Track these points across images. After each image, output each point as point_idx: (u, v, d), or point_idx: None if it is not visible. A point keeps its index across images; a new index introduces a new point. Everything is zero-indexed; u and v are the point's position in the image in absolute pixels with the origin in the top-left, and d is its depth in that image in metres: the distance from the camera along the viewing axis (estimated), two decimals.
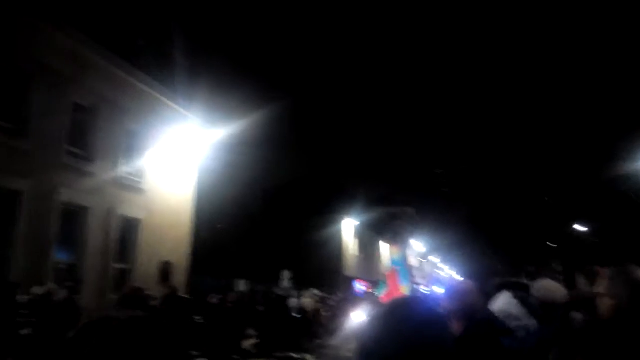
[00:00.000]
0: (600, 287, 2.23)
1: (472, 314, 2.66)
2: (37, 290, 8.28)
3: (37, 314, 6.70)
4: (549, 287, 3.72)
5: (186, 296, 13.81)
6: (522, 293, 3.97)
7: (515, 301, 3.76)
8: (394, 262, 8.32)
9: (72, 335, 1.03)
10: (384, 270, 9.08)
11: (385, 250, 39.64)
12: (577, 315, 3.64)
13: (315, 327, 19.14)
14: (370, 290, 30.67)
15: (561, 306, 3.52)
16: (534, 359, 3.14)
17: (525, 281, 4.47)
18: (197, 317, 13.46)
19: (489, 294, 3.89)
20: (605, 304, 2.12)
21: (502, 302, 3.71)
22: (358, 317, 19.09)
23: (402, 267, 8.26)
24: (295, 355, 14.90)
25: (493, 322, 2.93)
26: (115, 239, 13.68)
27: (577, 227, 28.06)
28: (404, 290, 8.58)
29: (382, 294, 9.47)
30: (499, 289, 3.88)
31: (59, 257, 12.12)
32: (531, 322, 3.55)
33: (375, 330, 1.10)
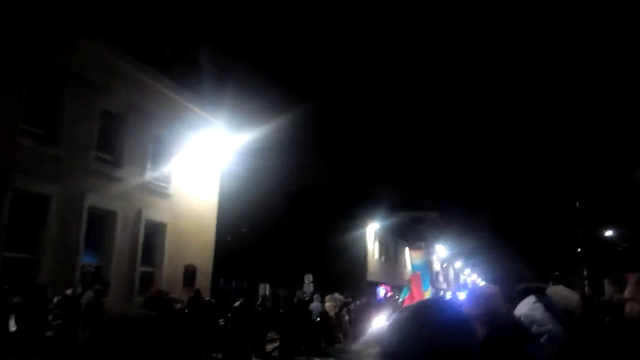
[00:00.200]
0: (628, 292, 2.21)
1: (495, 318, 2.65)
2: (65, 292, 8.47)
3: (64, 316, 6.84)
4: (560, 293, 3.67)
5: (210, 299, 13.95)
6: (546, 298, 3.92)
7: (539, 305, 3.72)
8: (414, 267, 8.30)
9: (88, 336, 1.05)
10: (408, 275, 9.05)
11: (409, 255, 39.36)
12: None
13: (337, 331, 19.17)
14: (392, 295, 30.51)
15: (572, 312, 3.47)
16: None
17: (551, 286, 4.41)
18: (221, 320, 13.61)
19: (513, 299, 3.86)
20: (631, 308, 2.10)
21: (526, 307, 3.67)
22: (379, 322, 19.10)
23: (424, 271, 8.25)
24: (316, 359, 14.95)
25: (517, 327, 2.91)
26: (141, 242, 13.89)
27: (605, 232, 27.49)
28: (427, 294, 8.55)
29: (405, 299, 9.47)
30: (524, 294, 3.83)
31: (86, 260, 12.36)
32: (556, 328, 3.52)
33: (397, 334, 1.08)
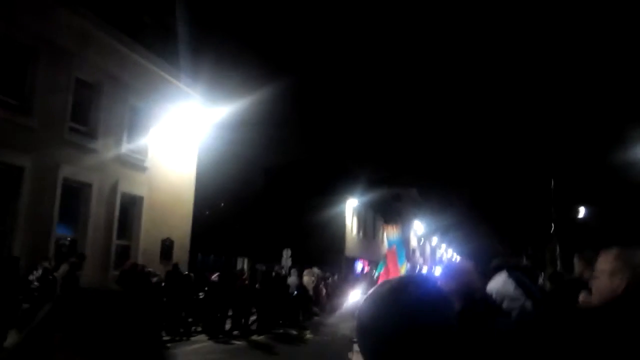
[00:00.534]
0: (600, 263, 2.16)
1: (469, 293, 2.67)
2: (43, 265, 8.35)
3: (40, 288, 6.75)
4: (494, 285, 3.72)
5: (189, 273, 13.95)
6: (518, 274, 3.98)
7: (511, 281, 3.77)
8: (390, 242, 8.36)
9: (46, 309, 1.02)
10: (384, 250, 9.13)
11: (385, 230, 39.71)
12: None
13: (315, 304, 19.39)
14: (370, 270, 30.89)
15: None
16: (529, 339, 3.16)
17: (524, 262, 4.48)
18: (200, 294, 13.64)
19: (487, 275, 3.90)
20: (604, 284, 2.06)
21: (498, 283, 3.72)
22: (355, 297, 19.34)
23: (400, 246, 8.31)
24: (294, 332, 15.11)
25: (488, 302, 2.96)
26: (117, 215, 13.74)
27: (578, 210, 28.05)
28: (402, 270, 8.64)
29: (380, 274, 9.57)
30: (497, 269, 3.88)
31: (61, 232, 12.21)
32: (527, 303, 3.57)
33: (375, 309, 1.07)
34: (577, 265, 5.79)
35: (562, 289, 5.51)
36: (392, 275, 8.52)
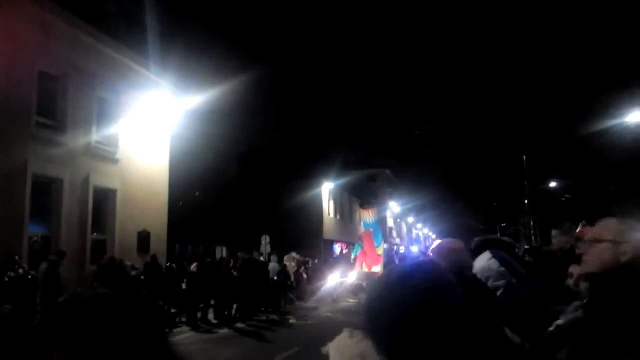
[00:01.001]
0: (600, 231, 2.12)
1: (461, 272, 2.67)
2: (17, 269, 8.13)
3: (18, 288, 6.58)
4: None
5: (171, 264, 13.81)
6: (501, 252, 3.99)
7: (494, 261, 3.78)
8: (366, 224, 8.40)
9: (40, 319, 0.95)
10: (359, 232, 9.18)
11: (360, 213, 40.03)
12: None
13: (296, 289, 19.45)
14: (348, 252, 31.09)
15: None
16: (516, 316, 3.19)
17: (506, 239, 4.49)
18: (183, 284, 13.54)
19: (471, 252, 3.91)
20: (607, 252, 2.03)
21: (482, 262, 3.72)
22: (334, 279, 19.45)
23: (376, 227, 8.37)
24: (276, 318, 15.15)
25: (477, 281, 2.97)
26: (90, 209, 13.46)
27: (549, 183, 28.64)
28: (380, 250, 8.72)
29: (357, 255, 9.66)
30: (480, 247, 3.88)
31: (33, 230, 11.91)
32: (513, 281, 3.59)
33: (384, 296, 1.07)
34: (556, 237, 5.89)
35: (544, 262, 5.61)
36: (369, 256, 8.59)
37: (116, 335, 0.88)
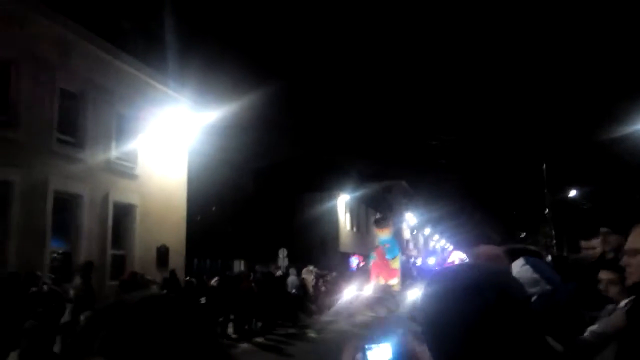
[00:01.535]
0: (636, 241, 2.10)
1: None
2: (38, 279, 8.17)
3: (44, 304, 6.58)
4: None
5: (190, 279, 13.81)
6: (534, 259, 3.92)
7: (528, 267, 3.71)
8: (382, 241, 8.32)
9: (84, 323, 0.91)
10: (373, 248, 9.06)
11: (375, 231, 39.79)
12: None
13: (314, 302, 19.33)
14: (365, 265, 30.90)
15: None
16: (552, 323, 3.09)
17: (533, 248, 4.40)
18: (202, 299, 13.52)
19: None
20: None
21: (515, 269, 3.65)
22: (350, 292, 19.23)
23: (392, 243, 8.27)
24: (295, 332, 15.04)
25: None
26: (110, 225, 13.55)
27: (569, 192, 28.26)
28: (394, 263, 8.65)
29: (371, 266, 9.60)
30: (509, 256, 3.81)
31: (55, 245, 12.01)
32: (547, 287, 3.51)
33: (443, 305, 1.01)
34: (583, 244, 5.78)
35: (572, 270, 5.49)
36: (384, 270, 8.52)
37: (163, 341, 0.83)
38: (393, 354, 1.24)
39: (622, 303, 2.64)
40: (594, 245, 4.99)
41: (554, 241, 22.87)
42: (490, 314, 0.95)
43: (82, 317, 6.68)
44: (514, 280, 1.06)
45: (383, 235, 8.29)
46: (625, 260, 2.15)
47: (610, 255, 3.88)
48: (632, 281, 2.11)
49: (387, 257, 8.25)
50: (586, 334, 2.74)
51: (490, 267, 1.07)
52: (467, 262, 1.27)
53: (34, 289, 7.50)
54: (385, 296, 6.45)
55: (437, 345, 1.01)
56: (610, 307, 3.17)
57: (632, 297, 2.37)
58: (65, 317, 7.71)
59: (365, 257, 34.10)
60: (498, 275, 1.03)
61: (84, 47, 12.76)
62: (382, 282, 8.13)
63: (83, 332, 0.86)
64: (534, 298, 3.42)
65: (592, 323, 2.87)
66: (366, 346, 1.25)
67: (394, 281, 8.12)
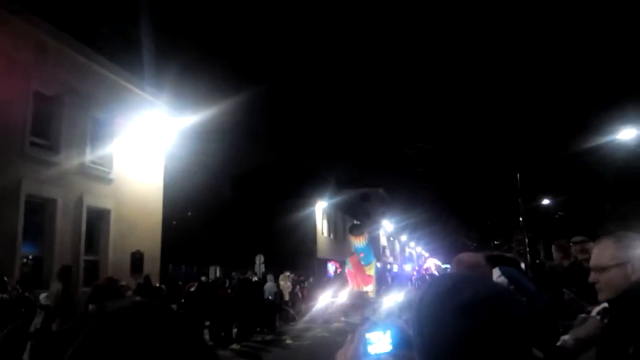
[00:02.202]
0: (606, 257, 2.14)
1: None
2: (9, 285, 7.97)
3: (11, 311, 6.42)
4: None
5: (160, 285, 13.63)
6: (510, 269, 3.97)
7: (503, 278, 3.76)
8: (357, 249, 8.35)
9: (59, 329, 0.88)
10: (349, 255, 9.08)
11: (350, 239, 39.85)
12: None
13: (291, 308, 19.25)
14: (341, 271, 30.92)
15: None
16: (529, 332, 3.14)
17: (509, 255, 4.47)
18: (173, 305, 13.34)
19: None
20: (619, 274, 2.04)
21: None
22: (326, 299, 19.23)
23: (367, 250, 8.30)
24: (272, 338, 14.96)
25: None
26: (84, 230, 13.31)
27: (542, 201, 28.76)
28: (371, 268, 8.67)
29: (347, 272, 9.64)
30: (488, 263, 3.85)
31: (26, 250, 11.75)
32: (521, 300, 3.57)
33: (437, 315, 1.00)
34: (555, 253, 5.91)
35: (547, 278, 5.61)
36: (359, 277, 8.54)
37: (143, 350, 0.80)
38: (393, 341, 1.25)
39: (594, 311, 2.70)
40: (553, 250, 5.11)
41: (527, 248, 23.22)
42: (484, 333, 0.94)
43: (53, 325, 6.53)
44: (512, 295, 1.05)
45: (358, 242, 8.30)
46: (593, 276, 2.17)
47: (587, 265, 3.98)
48: (604, 298, 2.15)
49: (362, 263, 8.27)
50: (559, 342, 2.79)
51: (486, 284, 1.05)
52: (460, 275, 1.27)
53: (4, 296, 7.32)
54: (360, 302, 6.45)
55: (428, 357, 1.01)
56: (582, 316, 3.24)
57: (604, 306, 2.41)
58: (36, 324, 7.54)
59: (342, 263, 34.22)
60: (494, 293, 1.01)
61: (60, 49, 12.56)
62: (357, 288, 8.17)
63: (58, 338, 0.84)
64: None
65: (565, 332, 2.93)
66: (367, 334, 1.26)
67: (369, 288, 8.16)
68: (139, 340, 0.81)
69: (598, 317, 2.56)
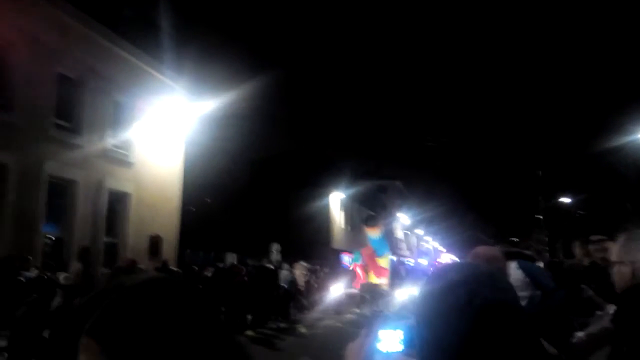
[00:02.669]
0: (616, 255, 2.23)
1: None
2: (30, 264, 8.12)
3: (38, 290, 6.53)
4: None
5: (177, 269, 13.76)
6: (526, 263, 3.95)
7: (520, 271, 3.74)
8: (371, 240, 8.29)
9: (79, 304, 0.87)
10: (362, 247, 9.03)
11: (365, 231, 39.83)
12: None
13: (306, 298, 19.32)
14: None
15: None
16: (541, 325, 3.13)
17: (527, 252, 4.44)
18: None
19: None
20: (619, 270, 2.13)
21: (508, 273, 3.68)
22: (338, 290, 19.21)
23: (382, 241, 8.23)
24: (286, 326, 15.03)
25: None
26: (103, 212, 13.50)
27: (563, 199, 28.37)
28: (385, 260, 8.61)
29: (356, 264, 9.62)
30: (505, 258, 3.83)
31: (47, 230, 11.95)
32: (535, 294, 3.54)
33: (424, 300, 1.03)
34: (577, 250, 5.83)
35: (565, 276, 5.53)
36: (372, 267, 8.49)
37: (161, 326, 0.79)
38: (404, 339, 1.25)
39: (610, 309, 2.69)
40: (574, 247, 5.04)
41: (547, 247, 22.97)
42: (465, 312, 0.95)
43: (75, 302, 6.64)
44: (495, 281, 1.04)
45: (372, 234, 8.23)
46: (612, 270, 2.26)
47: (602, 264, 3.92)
48: (618, 290, 2.22)
49: (376, 254, 8.21)
50: (574, 339, 2.78)
51: (471, 268, 1.06)
52: (454, 262, 1.29)
53: (26, 274, 7.46)
54: (372, 295, 6.42)
55: (425, 340, 1.02)
56: (599, 313, 3.22)
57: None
58: (56, 303, 7.68)
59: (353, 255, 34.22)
60: (474, 276, 1.02)
61: (83, 32, 12.67)
62: (370, 280, 8.14)
63: (77, 313, 0.83)
64: (524, 301, 3.44)
65: (582, 329, 2.91)
66: (379, 331, 1.26)
67: (383, 280, 8.11)
68: (157, 312, 0.80)
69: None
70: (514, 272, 3.81)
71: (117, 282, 0.87)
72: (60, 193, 12.34)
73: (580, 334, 2.79)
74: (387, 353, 1.24)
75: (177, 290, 0.86)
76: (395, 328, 1.26)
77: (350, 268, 10.47)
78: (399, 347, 1.25)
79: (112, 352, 0.77)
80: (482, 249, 2.91)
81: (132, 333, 0.78)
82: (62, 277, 7.94)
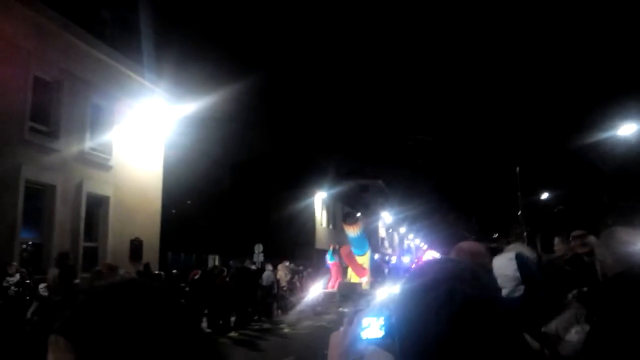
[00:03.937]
0: (596, 249, 2.30)
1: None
2: (9, 269, 7.98)
3: (17, 293, 6.43)
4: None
5: (159, 272, 13.67)
6: (525, 259, 3.97)
7: (513, 263, 3.75)
8: (351, 239, 8.28)
9: (55, 302, 0.87)
10: (340, 246, 9.03)
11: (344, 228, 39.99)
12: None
13: (289, 298, 19.32)
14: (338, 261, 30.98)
15: None
16: (527, 321, 3.16)
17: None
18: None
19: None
20: (605, 263, 2.19)
21: (500, 262, 3.69)
22: (318, 289, 19.18)
23: (361, 239, 8.22)
24: (270, 327, 15.02)
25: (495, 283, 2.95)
26: (83, 216, 13.32)
27: (541, 195, 28.82)
28: (365, 258, 8.61)
29: (331, 263, 9.64)
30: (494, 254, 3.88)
31: (25, 236, 11.76)
32: (520, 287, 3.57)
33: (402, 298, 1.01)
34: (559, 245, 5.92)
35: (546, 271, 5.62)
36: (351, 266, 8.50)
37: (134, 330, 0.79)
38: (385, 326, 1.27)
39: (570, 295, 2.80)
40: (557, 243, 5.12)
41: (526, 242, 23.28)
42: (446, 309, 0.94)
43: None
44: (475, 277, 1.01)
45: (351, 231, 8.19)
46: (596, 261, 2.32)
47: (588, 259, 3.99)
48: (601, 278, 2.28)
49: (355, 253, 8.19)
50: (545, 328, 2.85)
51: (450, 265, 1.05)
52: (439, 258, 1.30)
53: (10, 279, 7.34)
54: (350, 294, 6.39)
55: (405, 338, 1.01)
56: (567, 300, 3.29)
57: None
58: (32, 308, 7.58)
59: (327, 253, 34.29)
60: (455, 273, 1.00)
61: (60, 35, 12.50)
62: (351, 280, 8.13)
63: (50, 312, 0.83)
64: (515, 294, 3.48)
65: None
66: (361, 319, 1.28)
67: (364, 279, 8.10)
68: (128, 312, 0.81)
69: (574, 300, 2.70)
70: (508, 263, 3.83)
71: (91, 284, 0.88)
72: (38, 197, 12.15)
73: (551, 324, 2.85)
74: (367, 339, 1.26)
75: (150, 293, 0.87)
76: (377, 316, 1.28)
77: (330, 264, 10.47)
78: (379, 334, 1.26)
79: (81, 349, 0.78)
80: (466, 244, 2.92)
81: (102, 332, 0.78)
82: (41, 287, 7.82)
